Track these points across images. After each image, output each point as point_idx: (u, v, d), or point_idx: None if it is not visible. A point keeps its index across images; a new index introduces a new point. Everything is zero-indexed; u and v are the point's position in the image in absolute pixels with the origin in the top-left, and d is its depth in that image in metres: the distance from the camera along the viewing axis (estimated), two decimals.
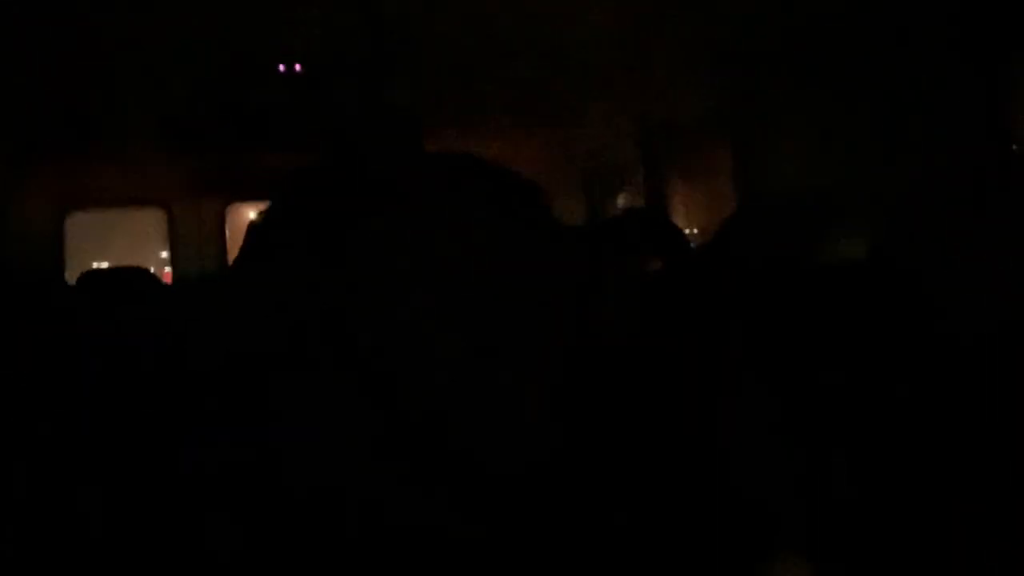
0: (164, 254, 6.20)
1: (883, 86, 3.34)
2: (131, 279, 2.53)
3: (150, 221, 5.88)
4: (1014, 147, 2.67)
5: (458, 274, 0.50)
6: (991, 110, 2.70)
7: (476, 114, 5.85)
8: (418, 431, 0.48)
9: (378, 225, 0.51)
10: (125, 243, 5.79)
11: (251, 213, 5.75)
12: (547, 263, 0.53)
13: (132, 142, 5.60)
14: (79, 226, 5.83)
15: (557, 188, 6.10)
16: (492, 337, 0.50)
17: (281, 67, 5.97)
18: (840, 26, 3.58)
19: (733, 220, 1.65)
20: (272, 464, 0.50)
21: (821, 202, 1.63)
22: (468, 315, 0.50)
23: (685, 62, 4.86)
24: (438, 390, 0.49)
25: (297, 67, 5.96)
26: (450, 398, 0.49)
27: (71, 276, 5.42)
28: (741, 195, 4.34)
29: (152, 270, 3.06)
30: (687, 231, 5.04)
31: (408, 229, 0.51)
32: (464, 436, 0.50)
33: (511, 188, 0.55)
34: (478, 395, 0.50)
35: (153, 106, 5.53)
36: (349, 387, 0.49)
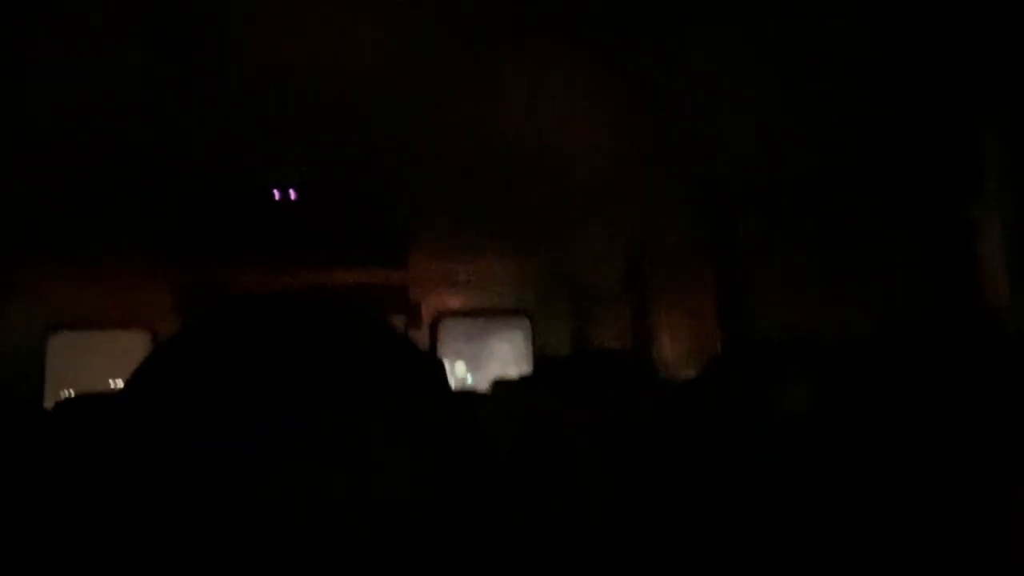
0: None
1: (862, 240, 3.38)
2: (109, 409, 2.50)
3: (135, 343, 5.86)
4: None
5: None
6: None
7: (463, 234, 5.90)
8: None
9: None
10: (107, 365, 5.75)
11: None
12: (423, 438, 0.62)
13: (118, 261, 5.61)
14: (62, 347, 5.80)
15: (546, 310, 6.12)
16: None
17: (276, 193, 6.01)
18: (824, 175, 3.65)
19: (712, 370, 1.67)
20: None
21: (799, 352, 1.64)
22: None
23: (670, 190, 4.93)
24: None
25: (292, 194, 6.01)
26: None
27: (52, 397, 5.36)
28: (723, 326, 4.36)
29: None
30: (671, 357, 5.04)
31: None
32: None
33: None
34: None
35: (140, 224, 5.56)
36: None
